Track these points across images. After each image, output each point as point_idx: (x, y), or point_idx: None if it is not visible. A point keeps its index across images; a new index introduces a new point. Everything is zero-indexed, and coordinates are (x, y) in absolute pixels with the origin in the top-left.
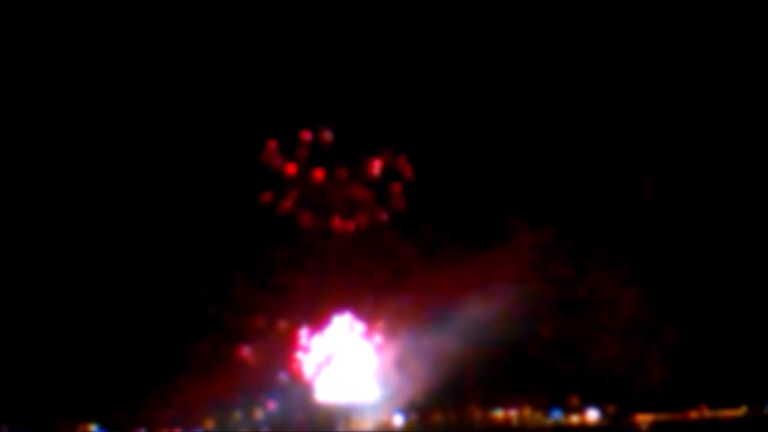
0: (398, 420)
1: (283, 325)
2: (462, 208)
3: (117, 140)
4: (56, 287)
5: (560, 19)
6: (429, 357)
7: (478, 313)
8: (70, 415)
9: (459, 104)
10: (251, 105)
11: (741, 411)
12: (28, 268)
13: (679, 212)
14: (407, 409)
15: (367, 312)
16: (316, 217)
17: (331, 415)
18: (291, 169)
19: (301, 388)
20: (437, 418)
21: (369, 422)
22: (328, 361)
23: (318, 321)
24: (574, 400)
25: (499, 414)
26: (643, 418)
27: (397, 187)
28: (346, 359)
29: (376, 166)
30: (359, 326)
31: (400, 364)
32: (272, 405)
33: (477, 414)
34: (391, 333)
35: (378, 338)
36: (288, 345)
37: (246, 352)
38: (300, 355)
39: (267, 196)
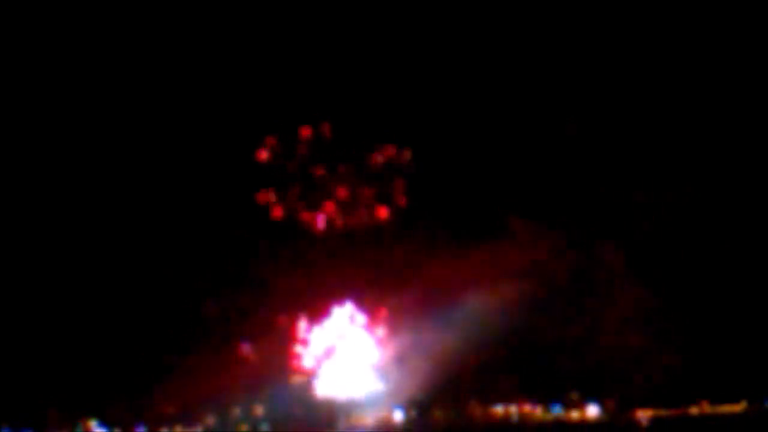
0: (398, 416)
1: (282, 320)
2: (463, 206)
3: (116, 140)
4: (57, 286)
5: (561, 18)
6: (429, 353)
7: (479, 310)
8: (71, 412)
9: (460, 102)
10: (248, 104)
11: (740, 406)
12: (29, 267)
13: (679, 212)
14: (407, 405)
15: (369, 303)
16: (316, 213)
17: (331, 410)
18: (291, 166)
19: (301, 384)
20: (437, 414)
21: (369, 418)
22: (328, 354)
23: (317, 312)
24: (574, 396)
25: (499, 410)
26: (643, 414)
27: (398, 184)
28: (347, 353)
29: (378, 162)
30: (361, 318)
31: (401, 360)
32: (272, 401)
33: (477, 410)
34: (394, 325)
35: (380, 330)
36: (288, 340)
37: (246, 348)
38: (299, 348)
39: (266, 195)
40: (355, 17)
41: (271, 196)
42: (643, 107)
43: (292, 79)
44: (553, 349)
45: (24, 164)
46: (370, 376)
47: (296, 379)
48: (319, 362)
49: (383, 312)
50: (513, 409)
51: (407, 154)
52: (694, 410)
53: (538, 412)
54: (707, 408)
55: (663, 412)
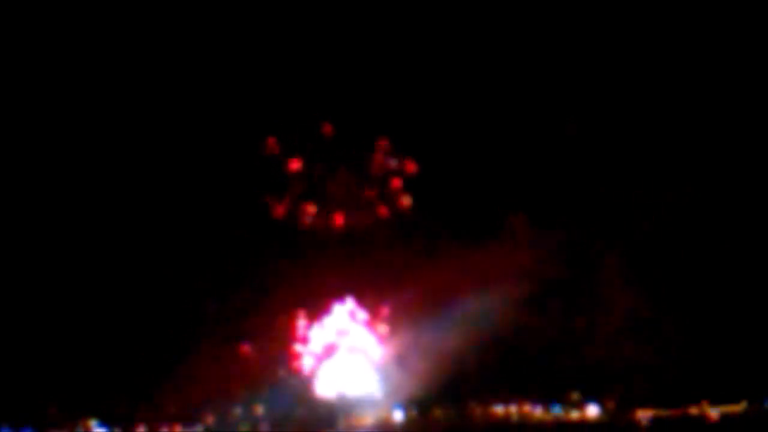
0: (398, 415)
1: (283, 319)
2: (463, 205)
3: (117, 140)
4: (58, 286)
5: (561, 18)
6: (429, 352)
7: (479, 309)
8: (71, 411)
9: (460, 102)
10: (250, 102)
11: (741, 406)
12: (30, 266)
13: (679, 212)
14: (407, 405)
15: (370, 300)
16: (317, 213)
17: (331, 410)
18: (293, 165)
19: (301, 383)
20: (437, 413)
21: (369, 418)
22: (328, 353)
23: (317, 310)
24: (574, 396)
25: (499, 410)
26: (643, 414)
27: (398, 184)
28: (347, 351)
29: (379, 161)
30: (362, 314)
31: (401, 359)
32: (272, 400)
33: (477, 410)
34: (396, 322)
35: (382, 328)
36: (288, 340)
37: (246, 348)
38: (299, 347)
39: (268, 196)
40: (355, 18)
41: (272, 196)
42: (643, 107)
43: (293, 78)
44: (553, 349)
45: (24, 164)
46: (371, 376)
47: (296, 379)
48: (319, 361)
49: (385, 309)
50: (513, 409)
51: (410, 155)
52: (694, 410)
53: (537, 412)
54: (707, 408)
55: (663, 412)
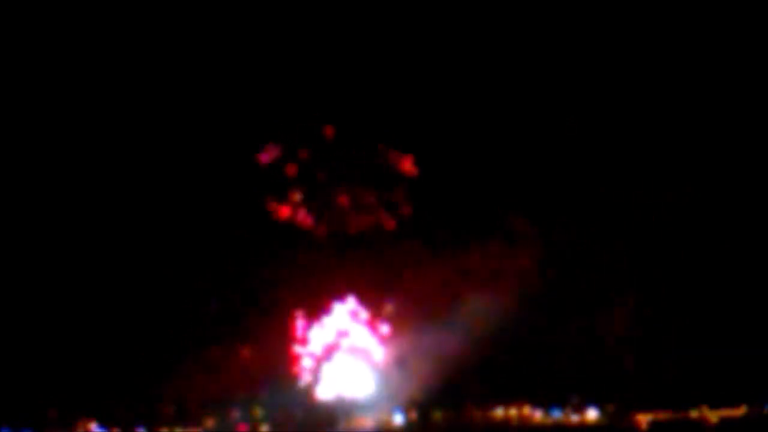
0: (398, 418)
1: (283, 321)
2: (463, 206)
3: (118, 141)
4: (57, 287)
5: (562, 18)
6: (429, 355)
7: (479, 312)
8: (71, 412)
9: (460, 101)
10: (253, 104)
11: (741, 410)
12: (30, 267)
13: (679, 212)
14: (407, 408)
15: (372, 298)
16: (318, 215)
17: (331, 412)
18: (292, 167)
19: (301, 385)
20: (437, 416)
21: (369, 420)
22: (328, 354)
23: (317, 311)
24: (574, 399)
25: (499, 413)
26: (643, 417)
27: (401, 193)
28: (348, 352)
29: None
30: (364, 314)
31: (401, 362)
32: (272, 402)
33: (477, 413)
34: (395, 325)
35: (384, 328)
36: (288, 341)
37: (245, 350)
38: (299, 348)
39: (268, 199)
40: (355, 18)
41: (273, 197)
42: (643, 107)
43: (295, 80)
44: (554, 351)
45: (25, 165)
46: (371, 378)
47: (296, 381)
48: (319, 363)
49: (388, 306)
50: (513, 412)
51: (409, 158)
52: (694, 414)
53: (537, 415)
54: (707, 412)
55: (663, 416)
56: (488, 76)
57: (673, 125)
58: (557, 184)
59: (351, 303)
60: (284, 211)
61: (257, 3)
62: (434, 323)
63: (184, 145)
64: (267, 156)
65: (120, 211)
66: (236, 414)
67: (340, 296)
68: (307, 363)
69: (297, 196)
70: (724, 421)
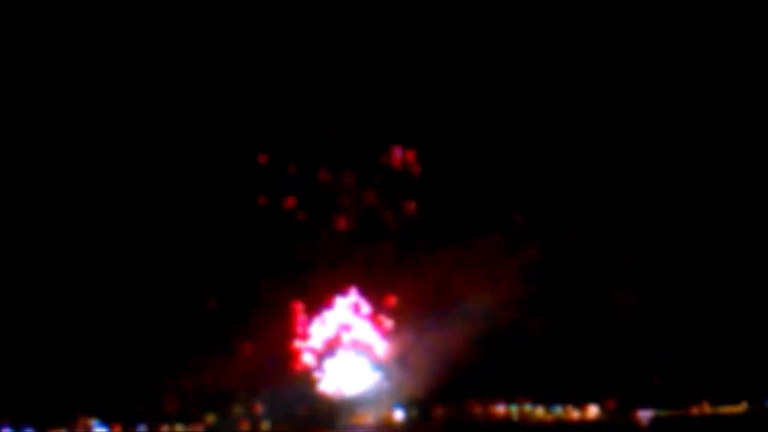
0: (399, 415)
1: (283, 318)
2: (464, 204)
3: (117, 140)
4: (57, 284)
5: (562, 17)
6: (430, 351)
7: (479, 309)
8: (70, 409)
9: (460, 101)
10: (253, 102)
11: (742, 407)
12: (29, 266)
13: (679, 212)
14: (407, 404)
15: (374, 292)
16: (319, 217)
17: (332, 409)
18: (292, 165)
19: (302, 382)
20: (438, 412)
21: (370, 417)
22: (330, 349)
23: (318, 307)
24: (575, 396)
25: (499, 409)
26: (644, 414)
27: (404, 189)
28: (350, 347)
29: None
30: (366, 307)
31: (402, 358)
32: (273, 399)
33: (477, 409)
34: (399, 317)
35: (388, 322)
36: (289, 337)
37: (246, 346)
38: (299, 344)
39: (265, 199)
40: (354, 18)
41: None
42: (643, 107)
43: (296, 79)
44: (554, 348)
45: (24, 164)
46: (372, 374)
47: (297, 377)
48: (320, 358)
49: (391, 299)
50: (513, 408)
51: (412, 156)
52: (695, 411)
53: (538, 411)
54: (708, 409)
55: (664, 413)
56: (488, 75)
57: (673, 125)
58: (557, 184)
59: (353, 296)
60: (284, 208)
61: (257, 3)
62: (435, 320)
63: (183, 144)
64: (267, 155)
65: (119, 208)
66: (237, 410)
67: (341, 290)
68: (308, 358)
69: (297, 195)
70: (725, 418)
